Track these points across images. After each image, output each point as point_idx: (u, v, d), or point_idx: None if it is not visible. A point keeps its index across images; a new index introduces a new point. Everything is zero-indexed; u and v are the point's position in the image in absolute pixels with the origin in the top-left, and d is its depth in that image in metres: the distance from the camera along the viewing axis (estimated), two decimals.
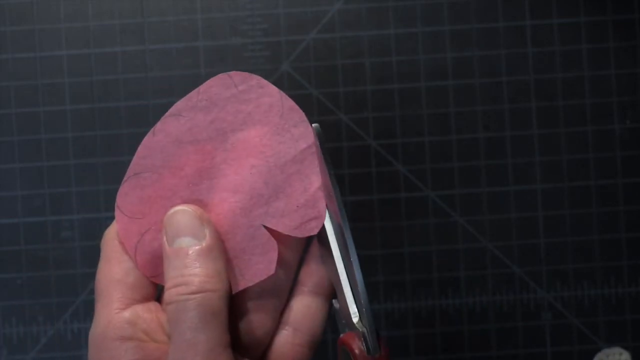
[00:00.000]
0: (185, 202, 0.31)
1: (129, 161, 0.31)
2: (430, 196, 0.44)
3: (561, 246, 0.44)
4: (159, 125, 0.31)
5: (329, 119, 0.44)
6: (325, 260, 0.32)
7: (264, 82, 0.32)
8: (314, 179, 0.31)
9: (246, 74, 0.32)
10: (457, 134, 0.44)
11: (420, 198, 0.44)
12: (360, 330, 0.29)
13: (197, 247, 0.30)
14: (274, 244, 0.31)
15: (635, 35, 0.44)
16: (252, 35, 0.44)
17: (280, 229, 0.31)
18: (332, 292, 0.32)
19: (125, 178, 0.31)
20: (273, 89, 0.32)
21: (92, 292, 0.39)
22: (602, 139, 0.44)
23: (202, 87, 0.32)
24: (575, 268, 0.44)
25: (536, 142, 0.44)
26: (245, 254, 0.31)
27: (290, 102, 0.32)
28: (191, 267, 0.29)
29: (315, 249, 0.33)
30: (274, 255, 0.31)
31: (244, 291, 0.31)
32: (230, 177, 0.31)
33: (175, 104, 0.32)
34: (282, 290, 0.32)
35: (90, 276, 0.41)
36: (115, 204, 0.31)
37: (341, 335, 0.30)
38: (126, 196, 0.31)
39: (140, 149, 0.31)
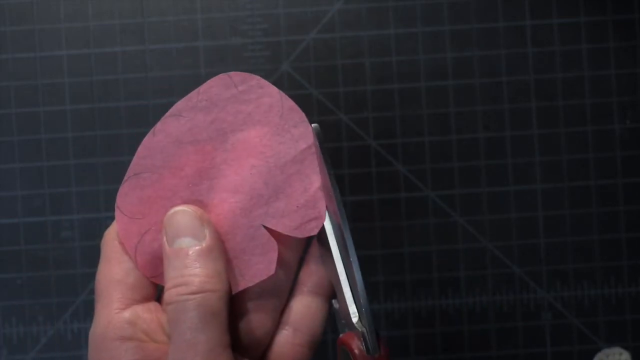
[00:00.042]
0: (185, 202, 0.31)
1: (129, 161, 0.31)
2: (430, 196, 0.44)
3: (561, 246, 0.44)
4: (159, 125, 0.31)
5: (329, 119, 0.44)
6: (325, 260, 0.32)
7: (264, 82, 0.32)
8: (314, 179, 0.31)
9: (246, 74, 0.32)
10: (457, 134, 0.44)
11: (420, 198, 0.44)
12: (360, 330, 0.29)
13: (197, 248, 0.30)
14: (274, 244, 0.31)
15: (635, 35, 0.44)
16: (252, 35, 0.44)
17: (280, 229, 0.31)
18: (332, 292, 0.32)
19: (125, 178, 0.31)
20: (273, 89, 0.32)
21: (92, 292, 0.39)
22: (602, 139, 0.44)
23: (202, 88, 0.32)
24: (575, 268, 0.44)
25: (536, 142, 0.44)
26: (245, 254, 0.31)
27: (290, 103, 0.32)
28: (191, 268, 0.29)
29: (315, 249, 0.33)
30: (274, 256, 0.31)
31: (244, 291, 0.31)
32: (230, 177, 0.31)
33: (176, 104, 0.32)
34: (282, 290, 0.32)
35: (90, 276, 0.41)
36: (115, 204, 0.31)
37: (341, 335, 0.30)
38: (126, 196, 0.31)
39: (140, 149, 0.31)
